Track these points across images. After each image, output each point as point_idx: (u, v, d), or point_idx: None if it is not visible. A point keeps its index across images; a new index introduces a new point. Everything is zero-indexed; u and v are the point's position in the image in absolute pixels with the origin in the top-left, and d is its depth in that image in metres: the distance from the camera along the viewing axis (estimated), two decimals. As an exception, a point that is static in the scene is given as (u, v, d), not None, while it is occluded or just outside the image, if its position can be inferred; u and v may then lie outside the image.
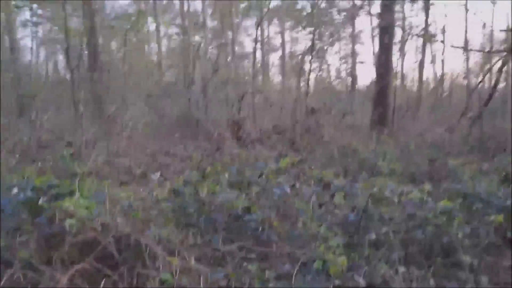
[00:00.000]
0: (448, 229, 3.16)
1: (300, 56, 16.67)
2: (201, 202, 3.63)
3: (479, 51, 16.72)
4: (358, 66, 25.95)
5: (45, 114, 8.10)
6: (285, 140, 8.64)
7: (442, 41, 17.37)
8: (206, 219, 3.40)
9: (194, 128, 11.50)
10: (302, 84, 11.82)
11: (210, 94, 12.62)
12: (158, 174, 5.23)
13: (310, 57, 12.95)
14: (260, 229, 3.19)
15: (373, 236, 3.18)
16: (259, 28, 30.23)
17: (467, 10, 23.75)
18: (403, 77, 19.77)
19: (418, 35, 16.81)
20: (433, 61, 21.64)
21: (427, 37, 16.66)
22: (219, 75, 13.82)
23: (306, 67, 13.39)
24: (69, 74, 11.54)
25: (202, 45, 26.28)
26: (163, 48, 28.05)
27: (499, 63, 11.75)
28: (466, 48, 17.22)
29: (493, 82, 11.61)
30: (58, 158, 5.82)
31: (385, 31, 11.95)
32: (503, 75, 12.83)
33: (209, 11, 31.15)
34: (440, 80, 20.26)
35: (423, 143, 9.61)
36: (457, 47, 18.06)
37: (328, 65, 27.57)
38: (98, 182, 4.25)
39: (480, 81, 13.49)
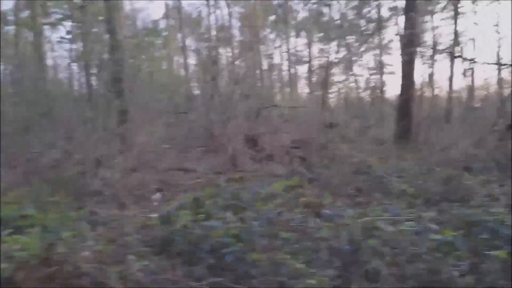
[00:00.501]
0: (442, 266, 2.90)
1: (323, 69, 16.40)
2: (187, 230, 3.52)
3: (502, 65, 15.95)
4: (387, 77, 25.28)
5: (60, 130, 8.23)
6: (299, 157, 8.43)
7: (466, 58, 16.69)
8: (190, 249, 3.28)
9: (214, 142, 11.48)
10: (325, 97, 11.57)
11: (231, 108, 12.59)
12: (159, 194, 5.16)
13: (331, 69, 12.70)
14: (240, 262, 3.04)
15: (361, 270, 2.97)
16: (287, 40, 30.45)
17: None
18: (433, 87, 19.13)
19: (442, 52, 16.28)
20: (464, 73, 20.91)
21: (452, 54, 16.11)
22: (242, 89, 13.82)
23: (328, 79, 13.12)
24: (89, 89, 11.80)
25: (228, 58, 26.62)
26: (191, 61, 28.53)
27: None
28: (496, 63, 16.52)
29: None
30: (64, 178, 5.86)
31: (408, 43, 11.60)
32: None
33: (238, 24, 31.59)
34: (471, 91, 19.47)
35: (446, 158, 9.18)
36: (485, 63, 17.29)
37: (357, 76, 27.24)
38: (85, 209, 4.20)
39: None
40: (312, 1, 32.17)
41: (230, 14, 28.50)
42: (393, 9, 24.64)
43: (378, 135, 13.30)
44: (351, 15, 30.40)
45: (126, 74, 13.65)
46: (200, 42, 32.55)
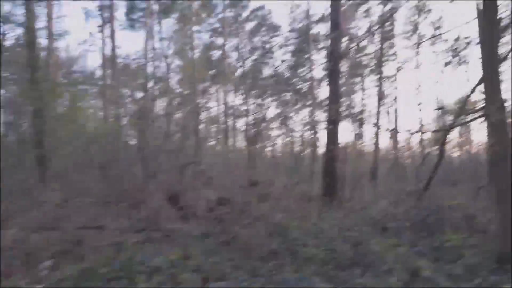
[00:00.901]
0: None
1: (255, 124, 16.66)
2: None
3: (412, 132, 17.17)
4: (321, 134, 26.11)
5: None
6: (216, 217, 8.20)
7: (375, 124, 17.84)
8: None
9: (136, 198, 11.00)
10: (251, 153, 11.54)
11: (157, 163, 12.25)
12: (49, 262, 4.70)
13: (263, 125, 12.84)
14: None
15: None
16: (225, 94, 30.94)
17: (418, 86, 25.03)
18: (359, 146, 19.97)
19: (354, 118, 17.31)
20: (390, 130, 22.15)
21: (362, 120, 17.17)
22: (171, 143, 13.59)
23: (258, 135, 13.21)
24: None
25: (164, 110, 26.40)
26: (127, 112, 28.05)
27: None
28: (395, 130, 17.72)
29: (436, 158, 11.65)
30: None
31: (331, 105, 12.12)
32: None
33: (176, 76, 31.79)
34: (395, 150, 20.54)
35: (365, 218, 9.38)
36: (393, 130, 18.54)
37: (291, 132, 27.99)
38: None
39: (427, 154, 13.61)
40: (251, 58, 33.53)
41: (168, 67, 28.63)
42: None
43: (307, 191, 13.43)
44: (287, 73, 31.96)
45: (48, 124, 13.03)
46: (136, 92, 32.35)
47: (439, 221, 8.50)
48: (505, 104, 5.71)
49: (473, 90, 7.66)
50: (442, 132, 10.80)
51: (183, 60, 32.19)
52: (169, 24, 31.04)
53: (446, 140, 11.07)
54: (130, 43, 60.47)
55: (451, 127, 8.64)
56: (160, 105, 29.58)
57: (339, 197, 12.25)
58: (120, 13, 31.92)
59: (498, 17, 6.12)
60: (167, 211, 9.54)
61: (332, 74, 12.43)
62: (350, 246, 6.03)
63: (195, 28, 33.97)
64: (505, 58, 6.57)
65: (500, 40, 9.26)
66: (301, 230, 7.39)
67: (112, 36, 26.99)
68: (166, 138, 12.87)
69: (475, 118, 6.28)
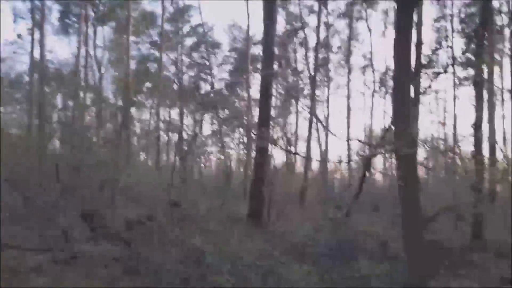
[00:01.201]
0: None
1: (185, 140, 16.33)
2: None
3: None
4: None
5: None
6: (124, 241, 7.79)
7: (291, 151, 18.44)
8: None
9: (47, 215, 10.25)
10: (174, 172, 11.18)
11: (77, 177, 11.55)
12: None
13: (191, 142, 12.59)
14: None
15: None
16: (158, 108, 30.25)
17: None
18: (291, 167, 20.28)
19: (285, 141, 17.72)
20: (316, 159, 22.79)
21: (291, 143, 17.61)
22: (95, 156, 12.91)
23: (187, 153, 12.91)
24: None
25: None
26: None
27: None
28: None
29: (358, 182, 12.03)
30: None
31: (261, 127, 12.16)
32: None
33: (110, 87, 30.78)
34: (324, 174, 21.02)
35: (285, 243, 9.38)
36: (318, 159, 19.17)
37: (226, 150, 27.93)
38: None
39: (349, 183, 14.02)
40: (189, 74, 33.24)
41: (101, 76, 27.64)
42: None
43: (233, 213, 13.28)
44: (225, 91, 32.05)
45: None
46: (65, 101, 30.80)
47: (355, 248, 8.69)
48: (415, 140, 5.95)
49: (390, 125, 7.99)
50: (364, 162, 11.21)
51: (118, 71, 31.28)
52: (106, 32, 29.85)
53: (366, 170, 11.50)
54: (63, 49, 57.81)
55: (363, 157, 8.93)
56: (90, 115, 28.45)
57: (265, 220, 12.24)
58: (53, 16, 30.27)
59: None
60: (80, 229, 8.97)
61: (263, 96, 12.52)
62: (261, 275, 5.92)
63: (132, 38, 33.27)
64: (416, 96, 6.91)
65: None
66: (218, 255, 7.18)
67: (41, 40, 25.71)
68: (88, 150, 12.19)
69: (387, 151, 6.51)
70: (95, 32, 27.77)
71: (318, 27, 21.60)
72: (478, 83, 9.86)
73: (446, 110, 27.08)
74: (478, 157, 9.08)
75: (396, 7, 6.34)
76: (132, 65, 33.89)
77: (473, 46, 9.98)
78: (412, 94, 13.83)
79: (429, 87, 9.28)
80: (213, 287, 5.38)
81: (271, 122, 13.04)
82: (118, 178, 9.16)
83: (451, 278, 7.34)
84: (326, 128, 20.01)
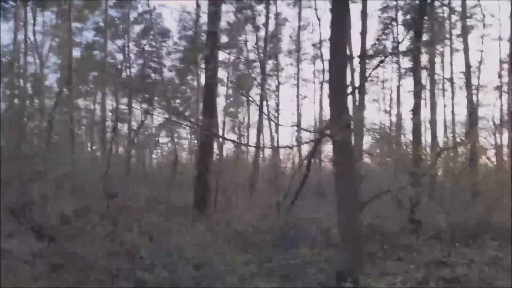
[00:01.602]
0: None
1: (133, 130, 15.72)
2: None
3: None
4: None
5: None
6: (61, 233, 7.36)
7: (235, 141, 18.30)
8: None
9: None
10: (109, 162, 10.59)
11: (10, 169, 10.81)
12: None
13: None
14: None
15: None
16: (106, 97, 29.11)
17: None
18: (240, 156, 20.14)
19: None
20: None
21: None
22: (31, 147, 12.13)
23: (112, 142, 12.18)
24: None
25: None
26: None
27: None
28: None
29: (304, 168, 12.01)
30: None
31: (205, 116, 11.90)
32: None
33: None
34: (275, 160, 21.01)
35: (229, 232, 9.25)
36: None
37: (178, 141, 27.41)
38: None
39: (298, 168, 14.04)
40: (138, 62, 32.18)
41: (42, 64, 26.15)
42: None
43: (179, 203, 13.00)
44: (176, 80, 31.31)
45: None
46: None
47: (298, 235, 8.67)
48: (349, 125, 5.92)
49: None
50: (311, 147, 11.21)
51: (62, 58, 29.78)
52: (46, 18, 28.22)
53: (311, 157, 11.51)
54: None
55: (299, 143, 8.92)
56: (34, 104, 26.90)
57: (210, 209, 12.05)
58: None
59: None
60: (7, 224, 8.38)
61: (208, 85, 12.24)
62: (194, 267, 5.72)
63: (77, 25, 31.73)
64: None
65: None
66: (154, 248, 6.92)
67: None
68: (22, 140, 11.39)
69: (323, 136, 6.47)
70: (34, 18, 26.12)
71: (267, 16, 21.33)
72: (416, 70, 10.09)
73: (392, 99, 27.92)
74: (414, 142, 9.30)
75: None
76: (77, 52, 32.48)
77: (411, 35, 10.16)
78: (357, 82, 14.04)
79: (369, 75, 9.34)
80: (140, 284, 5.10)
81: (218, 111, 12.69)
82: (47, 170, 8.54)
83: (388, 262, 7.46)
84: (269, 117, 19.88)
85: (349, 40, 5.95)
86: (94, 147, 30.34)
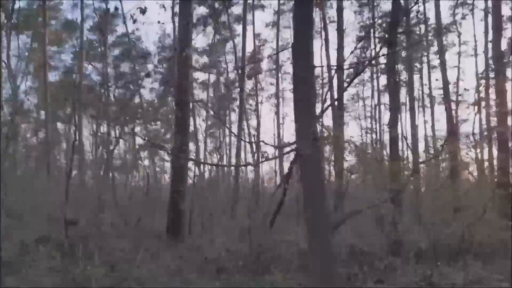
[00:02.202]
0: None
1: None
2: None
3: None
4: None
5: None
6: None
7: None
8: None
9: None
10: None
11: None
12: None
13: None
14: None
15: None
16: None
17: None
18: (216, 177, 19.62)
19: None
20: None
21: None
22: None
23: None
24: None
25: None
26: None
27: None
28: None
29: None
30: None
31: (177, 135, 11.44)
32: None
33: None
34: (256, 181, 20.52)
35: (201, 258, 8.71)
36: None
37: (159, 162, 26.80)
38: None
39: (279, 186, 13.58)
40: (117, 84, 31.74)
41: (16, 88, 25.51)
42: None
43: (152, 229, 12.37)
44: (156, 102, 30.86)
45: None
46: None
47: (273, 259, 8.20)
48: (317, 139, 5.50)
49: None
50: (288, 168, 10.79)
51: (39, 82, 29.25)
52: (21, 41, 27.80)
53: (288, 177, 11.05)
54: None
55: (267, 159, 8.49)
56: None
57: (184, 234, 11.46)
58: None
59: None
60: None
61: (180, 103, 11.79)
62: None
63: (54, 48, 31.32)
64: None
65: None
66: (112, 280, 6.36)
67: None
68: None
69: (290, 151, 6.08)
70: (8, 42, 25.62)
71: (244, 36, 21.11)
72: (391, 83, 9.84)
73: (373, 116, 27.88)
74: (392, 157, 8.97)
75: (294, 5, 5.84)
76: (54, 76, 31.96)
77: (386, 48, 9.96)
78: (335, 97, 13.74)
79: (347, 88, 9.02)
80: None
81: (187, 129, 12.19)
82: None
83: (367, 285, 7.01)
84: (239, 137, 19.44)
85: (312, 49, 5.57)
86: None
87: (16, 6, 25.33)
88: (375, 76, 26.34)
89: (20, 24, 26.13)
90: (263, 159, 10.37)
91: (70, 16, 29.81)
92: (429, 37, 22.60)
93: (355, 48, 11.17)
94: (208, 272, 7.81)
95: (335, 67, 10.30)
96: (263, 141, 10.80)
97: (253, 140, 21.85)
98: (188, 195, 12.30)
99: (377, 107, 25.70)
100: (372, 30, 21.69)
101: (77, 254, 7.30)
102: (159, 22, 34.63)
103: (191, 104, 22.56)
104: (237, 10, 27.35)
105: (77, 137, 11.54)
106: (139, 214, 11.82)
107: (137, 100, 30.26)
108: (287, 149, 5.48)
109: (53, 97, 25.96)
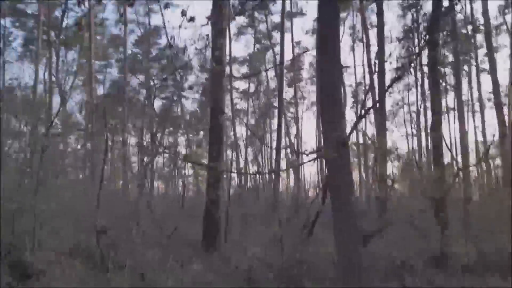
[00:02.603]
0: None
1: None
2: None
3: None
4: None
5: None
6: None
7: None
8: None
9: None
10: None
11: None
12: None
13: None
14: None
15: None
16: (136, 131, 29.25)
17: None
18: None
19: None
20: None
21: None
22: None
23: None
24: None
25: None
26: None
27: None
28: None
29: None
30: None
31: (212, 145, 11.33)
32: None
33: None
34: (297, 189, 20.18)
35: (231, 268, 8.47)
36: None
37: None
38: None
39: (317, 194, 13.18)
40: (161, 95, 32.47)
41: (64, 101, 26.65)
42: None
43: (189, 238, 12.28)
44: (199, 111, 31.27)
45: None
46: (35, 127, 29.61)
47: (306, 271, 7.83)
48: (345, 143, 5.16)
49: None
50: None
51: (87, 95, 30.42)
52: (70, 56, 29.13)
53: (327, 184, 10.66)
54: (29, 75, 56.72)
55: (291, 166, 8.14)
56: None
57: (219, 243, 11.28)
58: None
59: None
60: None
61: (214, 113, 11.65)
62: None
63: (101, 62, 32.54)
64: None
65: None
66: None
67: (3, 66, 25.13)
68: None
69: (316, 158, 5.74)
70: (57, 56, 26.90)
71: (281, 44, 20.73)
72: (432, 84, 9.22)
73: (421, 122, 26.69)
74: (434, 163, 8.37)
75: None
76: (102, 90, 33.20)
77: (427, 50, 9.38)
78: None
79: (387, 89, 8.58)
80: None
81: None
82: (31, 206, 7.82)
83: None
84: (278, 144, 19.03)
85: (338, 47, 5.25)
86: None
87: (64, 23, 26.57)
88: (419, 81, 25.30)
89: (68, 40, 27.36)
90: (290, 166, 9.90)
91: (115, 31, 30.57)
92: (476, 38, 21.52)
93: (390, 55, 10.59)
94: (237, 282, 7.57)
95: (375, 67, 9.81)
96: (289, 148, 10.40)
97: (293, 148, 21.43)
98: (224, 203, 12.15)
99: (420, 112, 24.62)
100: (416, 34, 20.95)
101: (107, 263, 7.25)
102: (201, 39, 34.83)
103: (230, 114, 22.62)
104: (277, 18, 27.31)
105: (109, 148, 11.57)
106: (176, 223, 11.73)
107: (179, 110, 30.97)
108: (314, 155, 5.15)
109: (100, 109, 26.87)
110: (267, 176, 23.68)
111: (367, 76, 21.16)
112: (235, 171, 17.14)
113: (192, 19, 11.49)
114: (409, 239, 10.79)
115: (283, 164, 24.42)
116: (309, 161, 6.16)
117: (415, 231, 10.90)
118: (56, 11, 27.04)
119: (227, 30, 24.25)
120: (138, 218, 10.03)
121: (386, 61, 9.89)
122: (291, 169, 21.17)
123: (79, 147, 30.14)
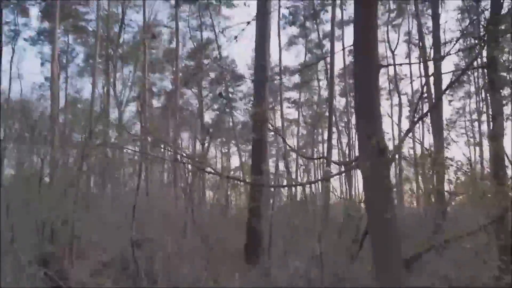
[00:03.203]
0: None
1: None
2: None
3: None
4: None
5: None
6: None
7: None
8: None
9: None
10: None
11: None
12: None
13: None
14: None
15: None
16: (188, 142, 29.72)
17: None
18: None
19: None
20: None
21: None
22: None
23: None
24: None
25: None
26: None
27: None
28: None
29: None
30: None
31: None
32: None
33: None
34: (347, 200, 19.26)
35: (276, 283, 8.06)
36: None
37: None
38: None
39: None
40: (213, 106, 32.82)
41: (121, 113, 27.64)
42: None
43: (231, 249, 12.04)
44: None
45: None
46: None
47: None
48: (384, 152, 4.63)
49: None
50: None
51: (140, 107, 31.34)
52: (126, 70, 30.25)
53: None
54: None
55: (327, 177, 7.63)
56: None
57: (262, 255, 10.92)
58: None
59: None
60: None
61: (256, 124, 11.43)
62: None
63: (156, 75, 33.49)
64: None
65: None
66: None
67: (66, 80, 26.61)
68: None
69: (350, 169, 5.23)
70: (115, 71, 27.99)
71: (332, 53, 20.15)
72: (490, 86, 8.30)
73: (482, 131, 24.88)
74: (493, 174, 7.49)
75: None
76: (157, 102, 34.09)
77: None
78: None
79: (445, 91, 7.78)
80: None
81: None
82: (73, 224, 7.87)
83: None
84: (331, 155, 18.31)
85: (376, 46, 4.76)
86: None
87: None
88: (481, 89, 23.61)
89: (125, 55, 28.47)
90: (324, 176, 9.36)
91: (167, 45, 31.32)
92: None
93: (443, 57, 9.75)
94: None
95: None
96: (325, 158, 9.87)
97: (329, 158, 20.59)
98: (267, 216, 11.78)
99: (487, 118, 22.86)
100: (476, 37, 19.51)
101: (142, 276, 7.12)
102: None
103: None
104: (328, 27, 26.77)
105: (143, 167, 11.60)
106: (219, 234, 11.54)
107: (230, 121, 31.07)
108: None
109: (155, 121, 27.60)
110: (318, 186, 23.02)
111: (423, 80, 20.03)
112: (274, 185, 16.67)
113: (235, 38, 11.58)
114: (466, 258, 9.82)
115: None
116: (342, 172, 5.68)
117: (471, 251, 9.91)
118: (114, 27, 28.30)
119: (278, 39, 24.07)
120: (182, 229, 9.90)
121: (443, 58, 9.00)
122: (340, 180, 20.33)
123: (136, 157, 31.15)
